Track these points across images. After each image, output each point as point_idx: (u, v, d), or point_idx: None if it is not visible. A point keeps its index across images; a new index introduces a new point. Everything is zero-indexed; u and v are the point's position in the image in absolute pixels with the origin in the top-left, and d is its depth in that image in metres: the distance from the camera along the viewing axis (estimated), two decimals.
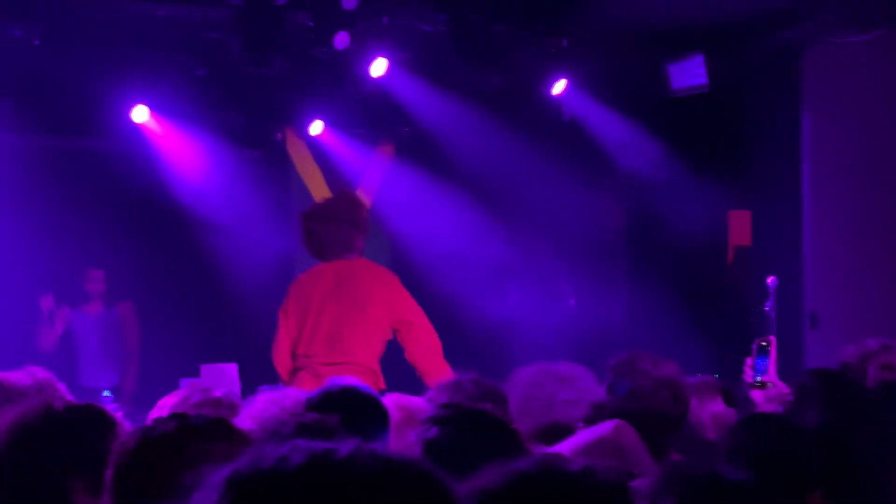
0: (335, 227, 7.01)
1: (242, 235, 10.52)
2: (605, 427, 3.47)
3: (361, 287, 6.96)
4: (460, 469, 1.63)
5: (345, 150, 10.92)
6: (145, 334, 9.60)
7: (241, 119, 10.42)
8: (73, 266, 9.54)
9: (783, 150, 9.05)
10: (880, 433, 3.69)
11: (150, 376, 9.19)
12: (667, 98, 9.16)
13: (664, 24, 8.80)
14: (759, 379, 4.75)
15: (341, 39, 7.84)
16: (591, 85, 9.54)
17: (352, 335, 6.85)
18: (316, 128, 10.58)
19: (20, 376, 3.80)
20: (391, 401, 4.10)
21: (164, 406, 3.65)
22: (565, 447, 3.53)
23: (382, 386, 6.63)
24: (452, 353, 7.10)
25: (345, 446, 1.32)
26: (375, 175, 11.24)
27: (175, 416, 2.44)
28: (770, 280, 6.15)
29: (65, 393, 3.85)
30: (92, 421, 2.82)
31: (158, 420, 2.44)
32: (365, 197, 11.22)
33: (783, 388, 4.60)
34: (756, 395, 4.74)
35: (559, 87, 9.21)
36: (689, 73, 8.91)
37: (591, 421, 3.73)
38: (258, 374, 7.00)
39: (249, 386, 5.70)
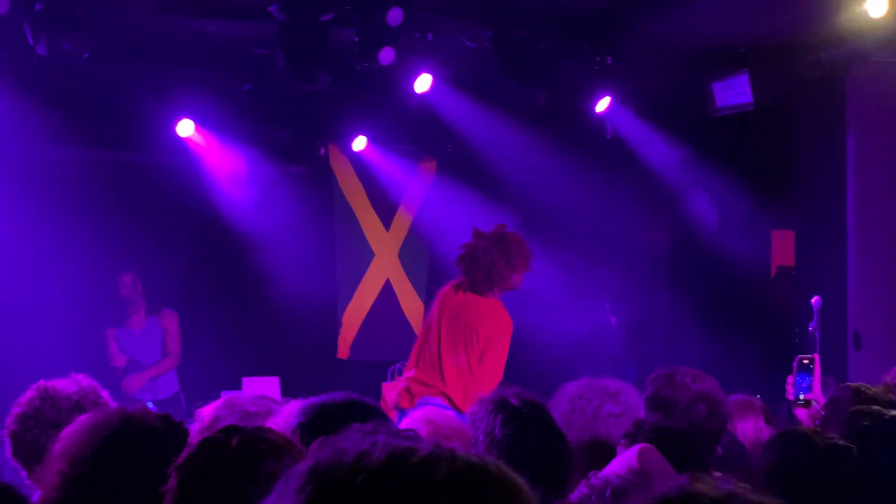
0: (494, 257, 6.95)
1: (284, 249, 10.56)
2: (630, 455, 3.47)
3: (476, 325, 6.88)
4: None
5: (388, 166, 10.96)
6: (188, 346, 9.64)
7: (284, 134, 10.49)
8: (119, 278, 9.59)
9: (827, 170, 8.98)
10: None
11: (192, 387, 9.24)
12: (711, 117, 9.12)
13: (709, 42, 8.77)
14: (802, 397, 4.70)
15: (386, 55, 7.86)
16: (634, 103, 9.52)
17: (449, 368, 6.83)
18: (359, 143, 10.63)
19: (66, 384, 3.83)
20: (421, 414, 4.09)
21: (204, 418, 3.64)
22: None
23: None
24: None
25: (425, 445, 1.34)
26: (418, 191, 11.27)
27: (236, 430, 2.42)
28: (814, 300, 6.12)
29: (109, 401, 3.87)
30: (175, 431, 2.83)
31: (221, 432, 2.42)
32: (407, 213, 11.28)
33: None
34: (800, 413, 4.71)
35: (603, 104, 9.18)
36: (734, 92, 8.86)
37: (631, 437, 3.73)
38: (300, 387, 7.01)
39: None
